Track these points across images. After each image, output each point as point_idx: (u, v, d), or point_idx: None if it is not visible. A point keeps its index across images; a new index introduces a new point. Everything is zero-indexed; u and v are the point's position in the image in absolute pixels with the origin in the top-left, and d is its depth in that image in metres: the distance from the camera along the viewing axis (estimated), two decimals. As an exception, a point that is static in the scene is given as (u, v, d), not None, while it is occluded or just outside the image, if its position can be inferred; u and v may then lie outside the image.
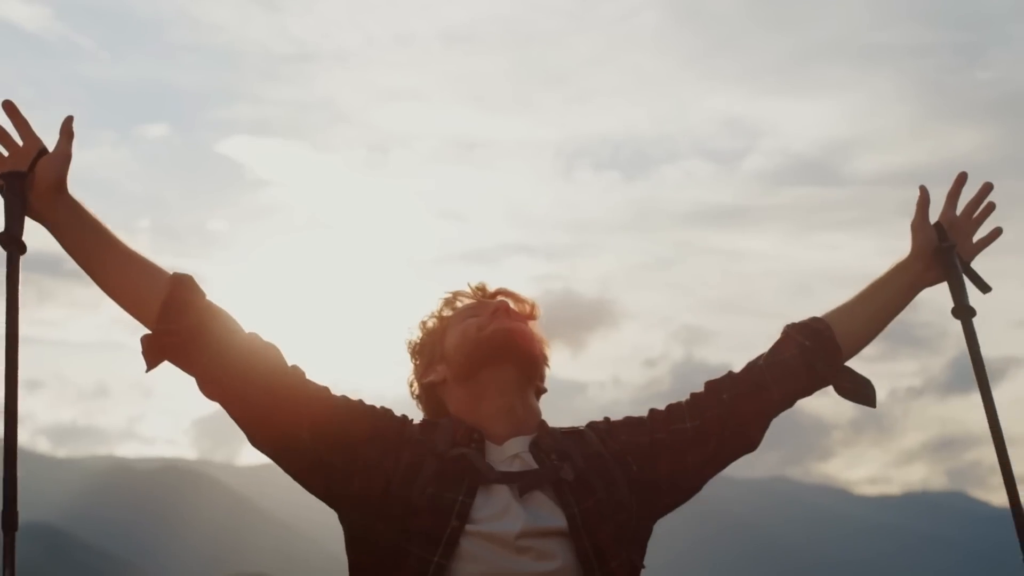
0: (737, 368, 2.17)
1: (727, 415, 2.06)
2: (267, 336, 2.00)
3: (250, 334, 1.97)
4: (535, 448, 1.94)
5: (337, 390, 2.01)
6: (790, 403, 2.15)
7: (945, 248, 2.21)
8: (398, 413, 2.03)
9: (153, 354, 1.93)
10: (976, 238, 2.29)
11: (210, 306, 1.95)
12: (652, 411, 2.09)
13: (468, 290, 2.13)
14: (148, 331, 1.94)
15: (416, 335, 2.12)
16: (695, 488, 2.07)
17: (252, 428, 1.95)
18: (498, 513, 1.84)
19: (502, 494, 1.86)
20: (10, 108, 2.00)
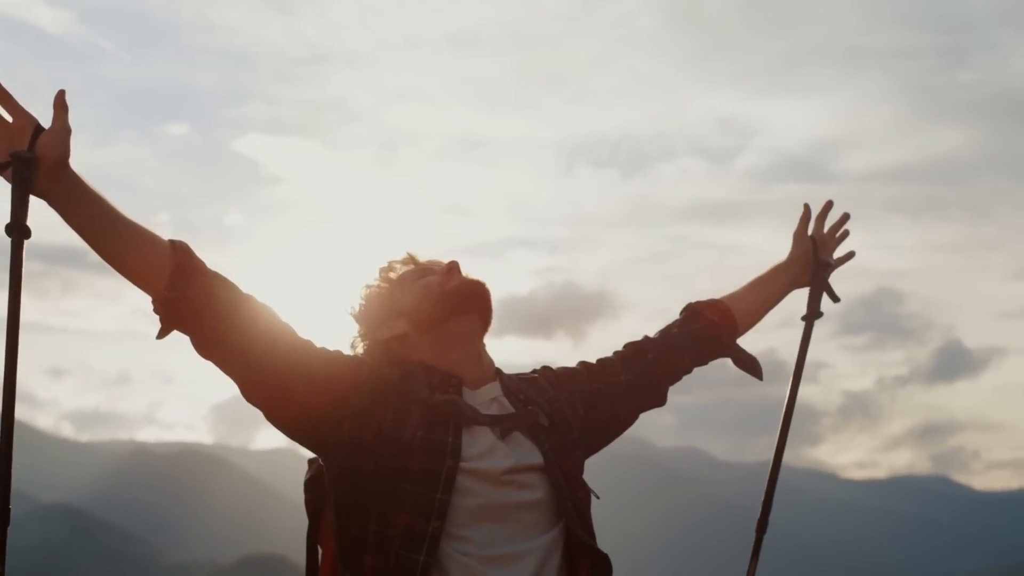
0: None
1: (651, 373, 2.29)
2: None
3: (249, 296, 1.96)
4: (507, 393, 2.04)
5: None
6: (692, 369, 2.39)
7: (822, 262, 2.58)
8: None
9: (168, 321, 1.90)
10: (835, 256, 2.64)
11: (214, 272, 1.94)
12: (584, 363, 2.27)
13: (400, 259, 2.19)
14: (157, 299, 1.89)
15: (361, 301, 2.15)
16: (618, 434, 2.28)
17: (248, 383, 1.96)
18: (485, 452, 1.93)
19: (485, 435, 1.95)
20: None
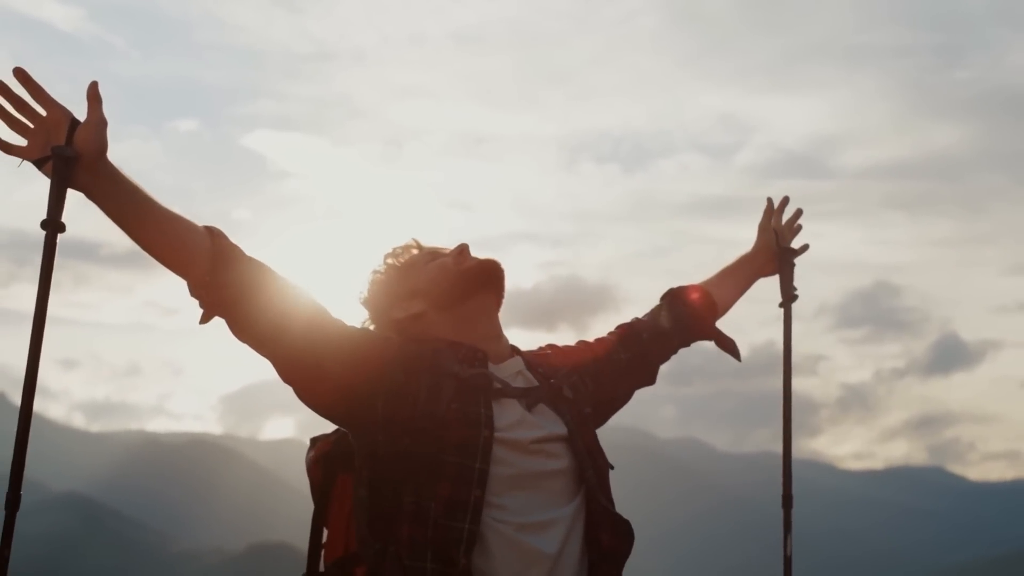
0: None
1: (646, 353, 2.41)
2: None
3: (284, 279, 1.98)
4: (529, 367, 2.10)
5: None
6: (679, 349, 2.51)
7: (785, 249, 2.73)
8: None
9: (208, 307, 1.91)
10: (793, 246, 2.77)
11: (251, 257, 1.96)
12: (584, 342, 2.36)
13: (405, 245, 2.23)
14: (198, 284, 1.90)
15: (370, 285, 2.19)
16: (616, 410, 2.36)
17: (284, 364, 1.98)
18: (515, 423, 1.97)
19: (514, 407, 2.00)
20: (22, 76, 1.81)
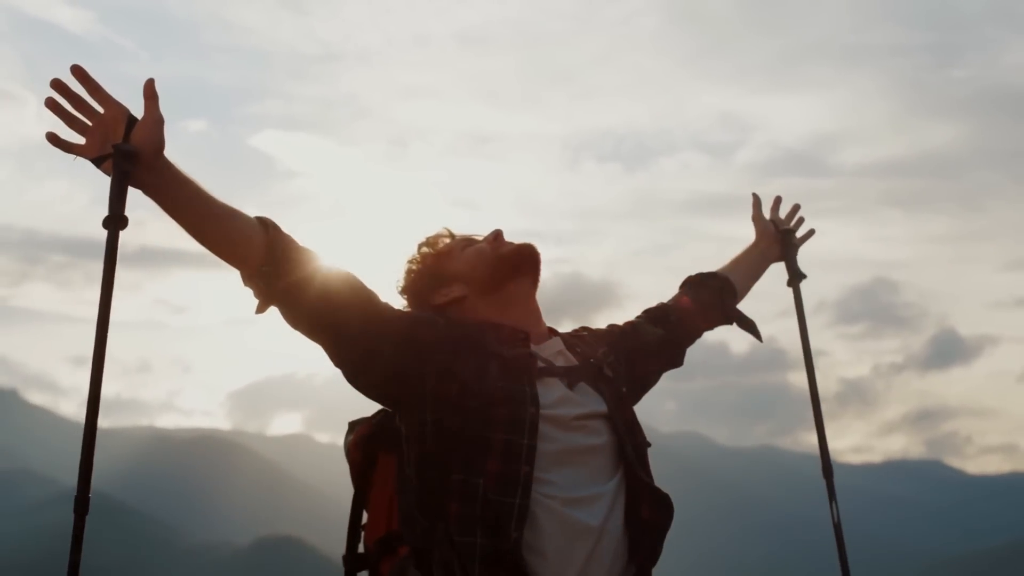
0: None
1: (674, 335, 2.45)
2: None
3: (334, 266, 1.99)
4: (568, 347, 2.15)
5: None
6: (703, 332, 2.57)
7: (785, 231, 2.82)
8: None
9: (264, 297, 1.93)
10: (798, 236, 2.86)
11: (303, 247, 1.97)
12: (615, 325, 2.40)
13: (437, 234, 2.27)
14: (255, 275, 1.91)
15: (406, 274, 2.24)
16: (646, 390, 2.42)
17: (338, 350, 2.01)
18: (559, 400, 2.01)
19: (556, 385, 2.04)
20: (80, 74, 1.81)
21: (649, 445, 2.12)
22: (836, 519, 2.61)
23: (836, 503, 2.63)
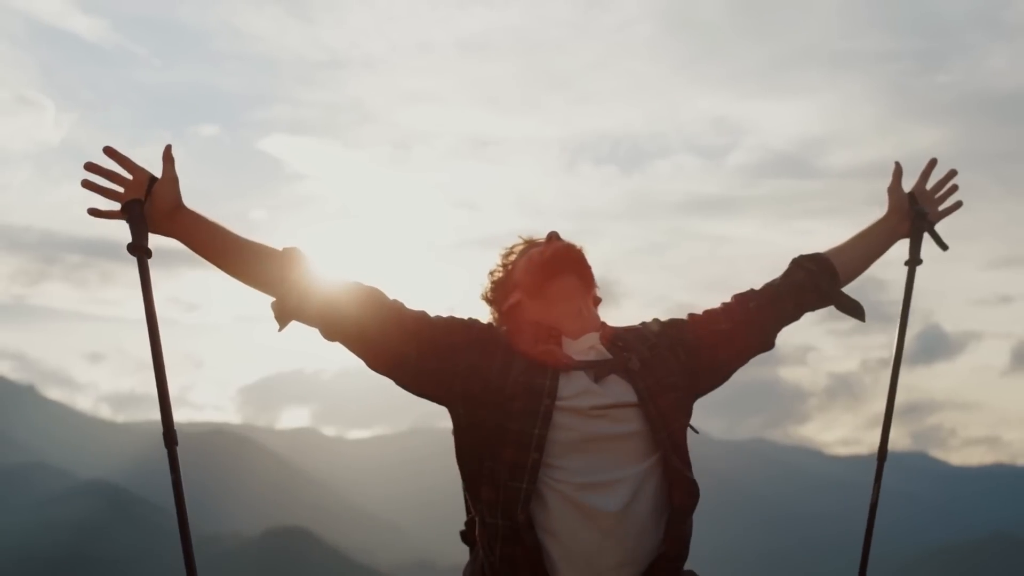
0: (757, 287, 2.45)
1: (752, 320, 2.36)
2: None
3: (352, 285, 2.17)
4: (605, 340, 2.18)
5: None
6: (799, 315, 2.45)
7: (917, 211, 2.57)
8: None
9: (283, 318, 2.16)
10: (944, 207, 2.63)
11: (317, 276, 2.16)
12: (692, 315, 2.37)
13: (514, 245, 2.39)
14: (274, 304, 2.16)
15: (488, 285, 2.37)
16: (725, 377, 2.37)
17: (369, 357, 2.17)
18: (579, 392, 2.08)
19: (581, 378, 2.10)
20: (112, 153, 2.16)
21: (696, 432, 2.19)
22: (874, 500, 2.71)
23: (879, 484, 2.72)
